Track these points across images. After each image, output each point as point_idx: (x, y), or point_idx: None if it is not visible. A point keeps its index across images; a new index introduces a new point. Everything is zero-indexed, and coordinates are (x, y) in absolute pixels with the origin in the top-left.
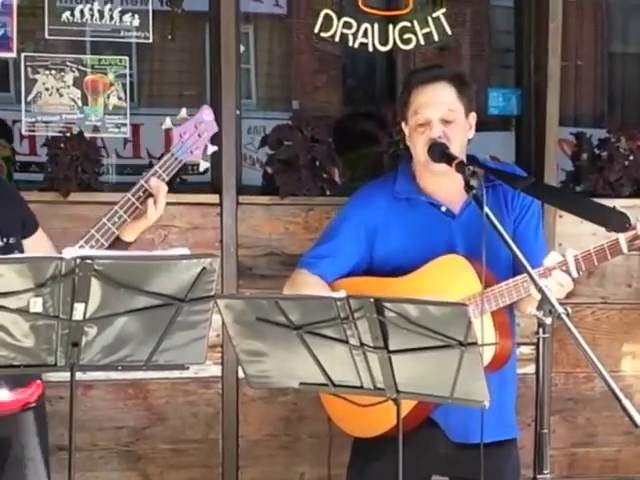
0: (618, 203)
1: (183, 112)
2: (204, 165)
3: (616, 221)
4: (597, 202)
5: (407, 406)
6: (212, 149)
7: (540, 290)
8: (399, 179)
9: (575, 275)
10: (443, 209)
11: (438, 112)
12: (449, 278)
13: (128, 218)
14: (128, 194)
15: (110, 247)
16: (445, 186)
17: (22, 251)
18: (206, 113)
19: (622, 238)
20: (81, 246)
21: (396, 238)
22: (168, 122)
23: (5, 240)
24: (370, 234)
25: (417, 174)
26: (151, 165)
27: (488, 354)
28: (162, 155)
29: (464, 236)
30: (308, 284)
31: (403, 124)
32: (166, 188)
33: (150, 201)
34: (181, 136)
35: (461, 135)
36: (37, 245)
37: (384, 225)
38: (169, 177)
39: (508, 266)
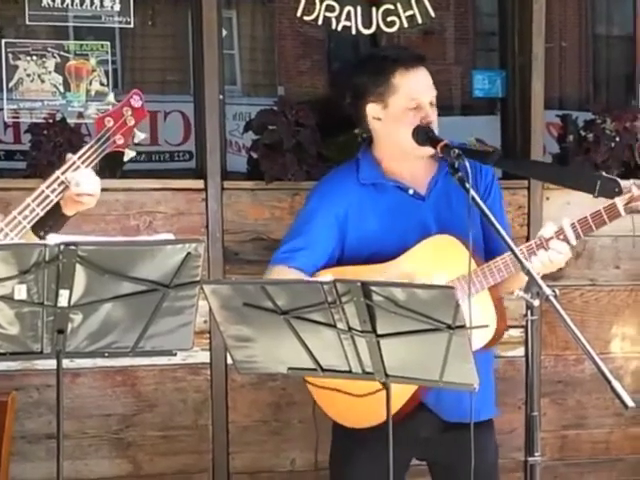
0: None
1: (110, 97)
2: (129, 154)
3: (605, 186)
4: (580, 170)
5: (401, 398)
6: (140, 137)
7: (527, 272)
8: (362, 165)
9: (574, 242)
10: (410, 192)
11: (429, 96)
12: (440, 258)
13: (41, 212)
14: (42, 186)
15: (48, 215)
16: (409, 169)
17: None
18: (135, 98)
19: (618, 201)
20: None
21: (367, 225)
22: (93, 109)
23: None
24: (341, 222)
25: (383, 158)
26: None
27: (489, 332)
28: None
29: (434, 217)
30: (290, 275)
31: (375, 106)
32: (88, 176)
33: (71, 193)
34: (105, 125)
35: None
36: None
37: (355, 212)
38: (88, 168)
39: (479, 245)
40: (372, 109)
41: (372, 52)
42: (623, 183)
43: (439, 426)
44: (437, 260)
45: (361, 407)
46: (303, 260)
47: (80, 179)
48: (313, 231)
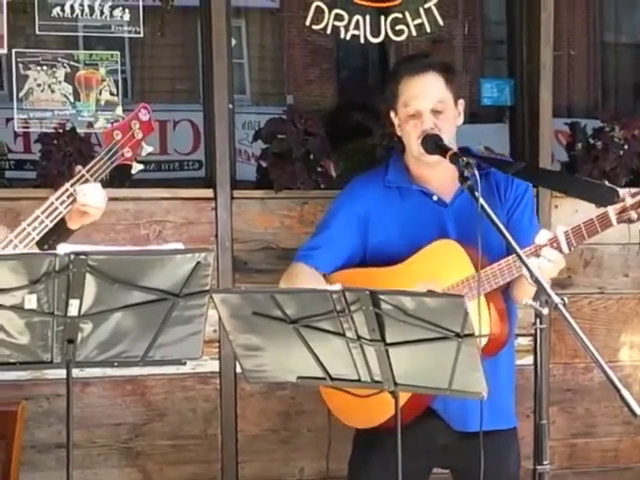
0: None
1: (119, 110)
2: (137, 168)
3: (605, 196)
4: (586, 179)
5: (405, 394)
6: (147, 150)
7: (536, 280)
8: (391, 169)
9: (566, 251)
10: (435, 198)
11: (428, 103)
12: (442, 263)
13: (50, 224)
14: (52, 198)
15: (52, 229)
16: (437, 175)
17: None
18: (142, 112)
19: (611, 210)
20: None
21: (388, 227)
22: (102, 122)
23: None
24: (362, 224)
25: (409, 164)
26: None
27: (482, 339)
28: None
29: (456, 224)
30: (303, 276)
31: (392, 114)
32: (96, 189)
33: (77, 204)
34: (114, 137)
35: (451, 124)
36: None
37: (376, 215)
38: (96, 181)
39: (501, 252)
40: (392, 117)
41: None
42: (621, 193)
43: (454, 434)
44: (437, 266)
45: (363, 407)
46: (319, 259)
47: (87, 191)
48: (333, 232)
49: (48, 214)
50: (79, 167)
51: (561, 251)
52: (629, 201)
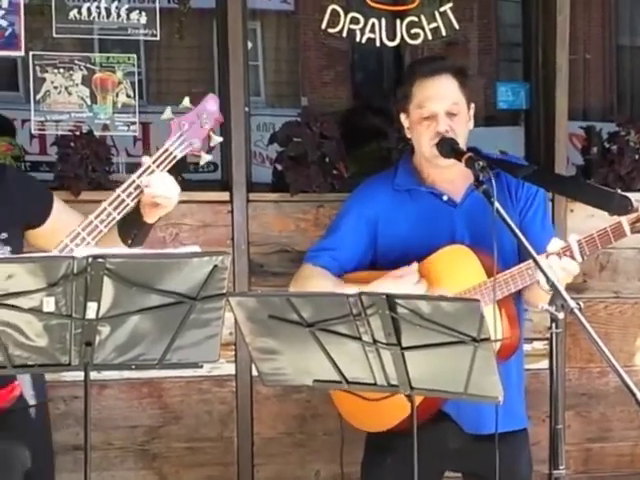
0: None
1: (186, 101)
2: (205, 158)
3: (618, 204)
4: (599, 186)
5: (417, 398)
6: (216, 140)
7: (552, 285)
8: (400, 172)
9: (579, 259)
10: (444, 198)
11: (443, 105)
12: (453, 268)
13: (117, 215)
14: (118, 190)
15: (133, 228)
16: (447, 177)
17: (20, 245)
18: (210, 102)
19: (624, 220)
20: (65, 245)
21: (398, 229)
22: (168, 112)
23: None
24: (371, 227)
25: (418, 166)
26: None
27: (495, 344)
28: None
29: (466, 224)
30: (314, 278)
31: (403, 116)
32: (165, 178)
33: (146, 196)
34: (180, 127)
35: (464, 127)
36: (51, 234)
37: (386, 217)
38: (163, 171)
39: (512, 257)
40: (402, 118)
41: (408, 63)
42: (634, 201)
43: (466, 437)
44: (449, 271)
45: (373, 411)
46: (327, 260)
47: (153, 182)
48: (342, 233)
49: (115, 206)
50: (145, 157)
51: (574, 259)
52: None
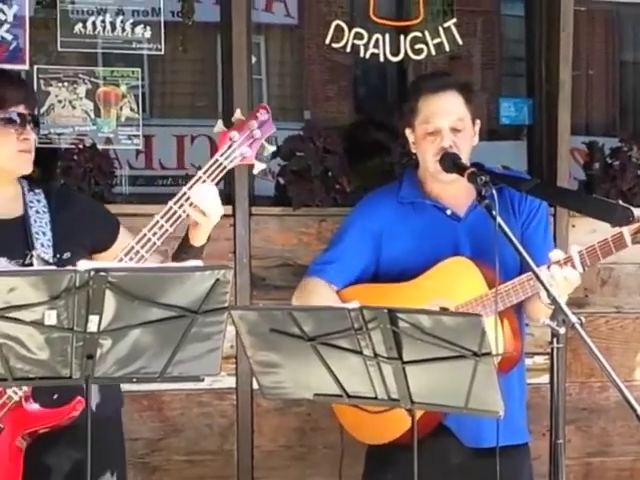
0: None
1: (237, 113)
2: (259, 167)
3: (620, 215)
4: (601, 198)
5: (418, 412)
6: (270, 150)
7: (553, 300)
8: (404, 185)
9: (580, 270)
10: (448, 212)
11: (448, 121)
12: (455, 280)
13: (170, 228)
14: (170, 203)
15: (182, 252)
16: (451, 191)
17: None
18: (261, 112)
19: (626, 231)
20: (120, 259)
21: (402, 242)
22: (220, 125)
23: (59, 256)
24: (376, 240)
25: (423, 180)
26: (164, 178)
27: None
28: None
29: (469, 239)
30: (318, 292)
31: (408, 131)
32: (211, 190)
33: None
34: (230, 139)
35: (469, 144)
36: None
37: (389, 230)
38: (214, 182)
39: (514, 271)
40: (408, 133)
41: (413, 79)
42: (636, 213)
43: (467, 451)
44: (450, 283)
45: (375, 423)
46: (333, 273)
47: (197, 195)
48: (346, 245)
49: (167, 219)
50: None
51: (575, 269)
52: None
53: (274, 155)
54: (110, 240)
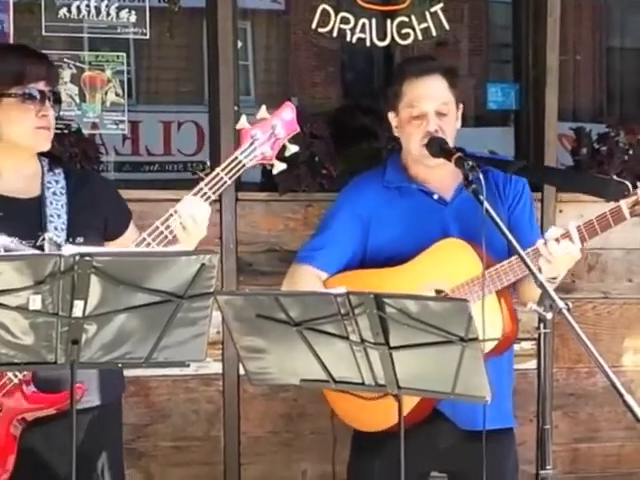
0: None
1: (263, 110)
2: (279, 167)
3: (614, 190)
4: (593, 174)
5: (413, 400)
6: (292, 150)
7: (540, 285)
8: (389, 169)
9: (579, 245)
10: (435, 196)
11: (433, 105)
12: (449, 262)
13: (170, 235)
14: (171, 210)
15: None
16: (436, 175)
17: None
18: (286, 111)
19: (624, 204)
20: None
21: (390, 227)
22: (243, 121)
23: (71, 239)
24: (364, 225)
25: (407, 164)
26: (151, 164)
27: (495, 334)
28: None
29: (457, 222)
30: (307, 280)
31: (391, 114)
32: (201, 210)
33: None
34: (252, 137)
35: (453, 127)
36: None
37: (377, 215)
38: (232, 180)
39: (503, 248)
40: (391, 117)
41: (398, 63)
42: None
43: (457, 436)
44: (445, 265)
45: (370, 410)
46: (323, 260)
47: (184, 211)
48: (335, 231)
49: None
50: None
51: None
52: None
53: None
54: (122, 228)
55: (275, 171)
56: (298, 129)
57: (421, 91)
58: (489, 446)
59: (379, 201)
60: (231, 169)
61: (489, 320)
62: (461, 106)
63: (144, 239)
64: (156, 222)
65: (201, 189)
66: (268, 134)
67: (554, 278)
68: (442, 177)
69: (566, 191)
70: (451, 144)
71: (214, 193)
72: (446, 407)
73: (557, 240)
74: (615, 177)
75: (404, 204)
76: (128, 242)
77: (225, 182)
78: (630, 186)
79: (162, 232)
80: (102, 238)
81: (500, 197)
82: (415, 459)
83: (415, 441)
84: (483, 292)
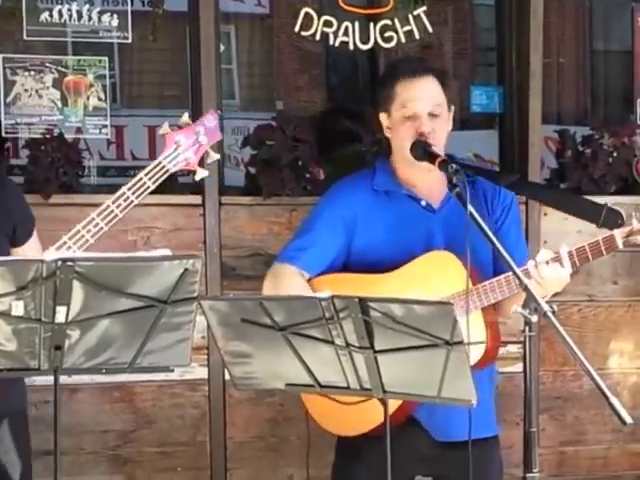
0: (603, 200)
1: (185, 117)
2: (201, 174)
3: (608, 218)
4: (587, 199)
5: (392, 405)
6: (214, 158)
7: (525, 288)
8: (378, 173)
9: (569, 270)
10: (423, 203)
11: (427, 106)
12: (436, 274)
13: (105, 226)
14: (108, 201)
15: None
16: (426, 181)
17: (3, 254)
18: (209, 119)
19: (617, 234)
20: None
21: (375, 231)
22: (166, 127)
23: None
24: (349, 227)
25: (397, 167)
26: (136, 168)
27: (477, 353)
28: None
29: (443, 231)
30: (289, 281)
31: (383, 115)
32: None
33: None
34: (176, 143)
35: (445, 129)
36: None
37: (363, 218)
38: (155, 185)
39: (488, 262)
40: (382, 118)
41: (388, 63)
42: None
43: (437, 444)
44: (432, 276)
45: (345, 414)
46: (306, 260)
47: None
48: (319, 231)
49: (103, 217)
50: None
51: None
52: (636, 225)
53: (244, 144)
54: (27, 236)
55: (197, 177)
56: (221, 137)
57: (415, 92)
58: (472, 454)
59: (366, 204)
60: (154, 174)
61: (474, 335)
62: (453, 108)
63: (65, 242)
64: (93, 214)
65: (124, 193)
66: (192, 140)
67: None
68: (431, 183)
69: (558, 210)
70: (443, 146)
71: (137, 197)
72: (422, 415)
73: (547, 263)
74: (609, 205)
75: (391, 208)
76: (31, 250)
77: (148, 187)
78: (624, 215)
79: (83, 236)
80: (10, 244)
81: (487, 209)
82: (398, 463)
83: (397, 446)
84: (467, 302)
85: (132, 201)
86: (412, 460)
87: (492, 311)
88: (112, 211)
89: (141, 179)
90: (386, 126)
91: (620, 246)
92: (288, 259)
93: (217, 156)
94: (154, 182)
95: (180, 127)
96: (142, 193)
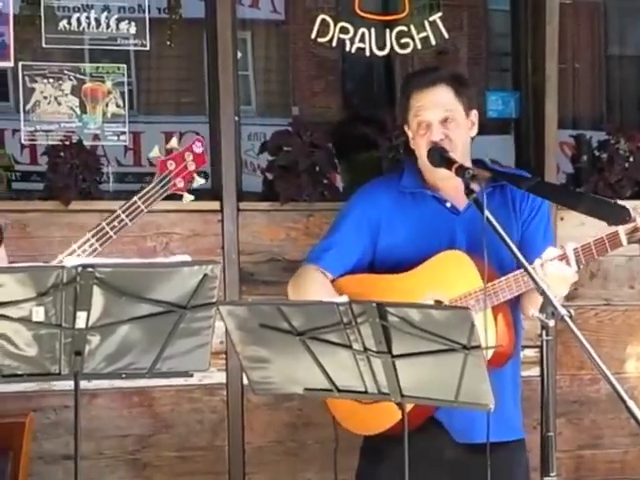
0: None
1: (173, 141)
2: (188, 198)
3: (617, 215)
4: (598, 197)
5: (409, 404)
6: (199, 182)
7: (542, 293)
8: (406, 175)
9: (575, 268)
10: (448, 205)
11: (436, 114)
12: (450, 274)
13: (99, 247)
14: (103, 223)
15: None
16: (451, 184)
17: None
18: (197, 145)
19: (621, 230)
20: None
21: (399, 232)
22: (156, 151)
23: None
24: (374, 228)
25: (423, 171)
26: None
27: (487, 352)
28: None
29: (467, 233)
30: (312, 281)
31: (406, 127)
32: None
33: None
34: (167, 167)
35: (463, 134)
36: None
37: (388, 219)
38: (148, 208)
39: (511, 266)
40: (406, 129)
41: (405, 75)
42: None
43: (459, 447)
44: (446, 275)
45: (368, 413)
46: (331, 260)
47: None
48: (344, 233)
49: (98, 238)
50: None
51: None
52: None
53: (261, 150)
54: None
55: (185, 201)
56: (207, 162)
57: (424, 102)
58: (493, 459)
59: (391, 205)
60: (148, 198)
61: (485, 336)
62: (475, 112)
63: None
64: (88, 234)
65: (118, 215)
66: (182, 166)
67: None
68: (457, 187)
69: (571, 209)
70: (461, 151)
71: (131, 220)
72: (443, 416)
73: (552, 262)
74: (618, 201)
75: (415, 210)
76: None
77: (142, 210)
78: (632, 212)
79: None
80: None
81: (515, 212)
82: (425, 467)
83: (421, 449)
84: (485, 301)
85: (126, 223)
86: (437, 464)
87: (505, 309)
88: (107, 232)
89: (135, 202)
90: (411, 137)
91: (624, 243)
92: (313, 260)
93: (202, 181)
94: (148, 206)
95: (169, 152)
96: (136, 216)
